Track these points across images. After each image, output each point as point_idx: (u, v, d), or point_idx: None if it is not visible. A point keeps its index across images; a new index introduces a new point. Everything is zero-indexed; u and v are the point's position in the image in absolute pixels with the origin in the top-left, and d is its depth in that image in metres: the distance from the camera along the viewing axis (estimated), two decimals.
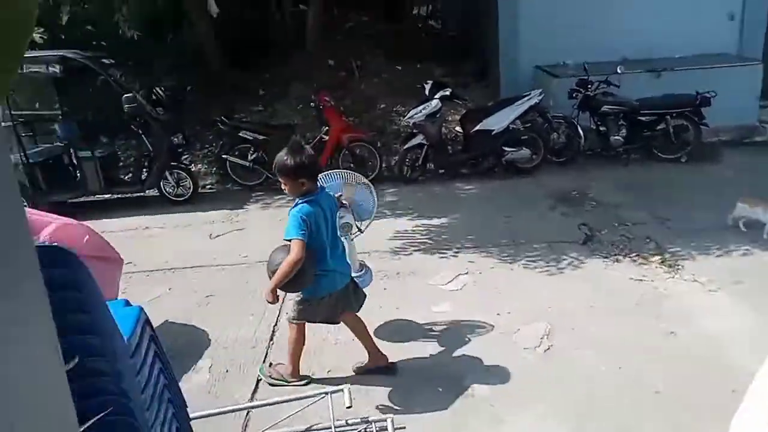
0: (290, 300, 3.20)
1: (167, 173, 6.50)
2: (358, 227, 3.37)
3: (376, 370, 3.27)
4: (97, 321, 1.58)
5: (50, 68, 6.16)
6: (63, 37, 8.01)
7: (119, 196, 6.70)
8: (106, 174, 6.48)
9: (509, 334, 3.65)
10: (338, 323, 3.25)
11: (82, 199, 6.63)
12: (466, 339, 3.61)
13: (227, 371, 3.42)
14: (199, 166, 7.52)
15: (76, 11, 8.30)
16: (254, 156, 6.92)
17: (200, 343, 3.73)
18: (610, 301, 3.98)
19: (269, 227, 5.80)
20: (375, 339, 3.58)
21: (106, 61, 6.56)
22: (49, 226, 2.36)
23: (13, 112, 6.14)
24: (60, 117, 6.87)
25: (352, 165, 7.08)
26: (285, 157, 2.82)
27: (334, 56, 9.47)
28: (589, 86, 7.13)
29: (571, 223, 5.39)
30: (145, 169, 6.66)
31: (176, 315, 4.10)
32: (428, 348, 3.53)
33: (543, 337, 3.59)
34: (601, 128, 7.25)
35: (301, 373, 3.28)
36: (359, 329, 3.26)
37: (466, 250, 4.94)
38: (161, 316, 4.04)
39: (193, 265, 4.91)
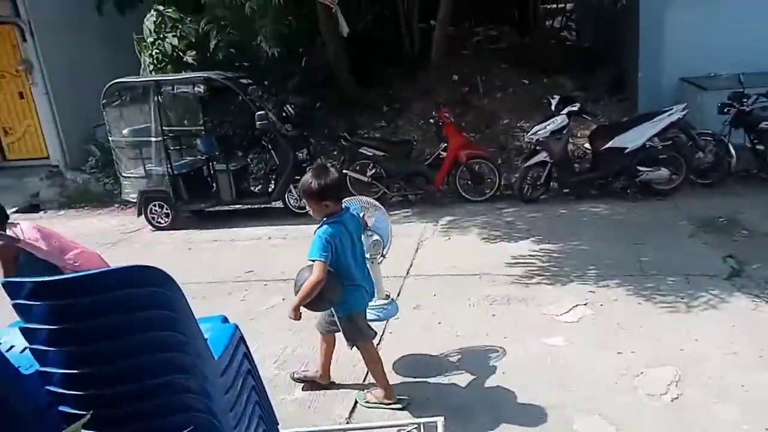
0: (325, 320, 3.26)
1: (291, 186, 6.82)
2: (382, 252, 3.38)
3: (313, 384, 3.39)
4: (187, 339, 1.63)
5: (196, 88, 6.79)
6: (211, 58, 8.81)
7: (248, 206, 7.16)
8: (238, 186, 6.97)
9: (631, 377, 3.27)
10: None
11: (216, 208, 7.18)
12: (580, 378, 3.30)
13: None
14: None
15: (222, 36, 9.08)
16: (372, 171, 7.05)
17: (306, 355, 3.80)
18: (757, 348, 3.43)
19: None
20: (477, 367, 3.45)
21: (244, 81, 7.07)
22: (75, 250, 2.79)
23: (163, 128, 6.84)
24: (203, 132, 7.53)
25: (469, 182, 6.95)
26: (310, 180, 2.84)
27: (460, 71, 9.38)
28: (745, 100, 6.33)
29: (714, 254, 4.78)
30: (272, 182, 7.06)
31: (288, 325, 4.22)
32: (536, 384, 3.28)
33: (671, 384, 3.18)
34: (758, 147, 6.41)
35: (400, 396, 3.21)
36: (329, 351, 3.34)
37: (588, 279, 4.56)
38: (273, 326, 4.20)
39: None
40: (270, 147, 6.94)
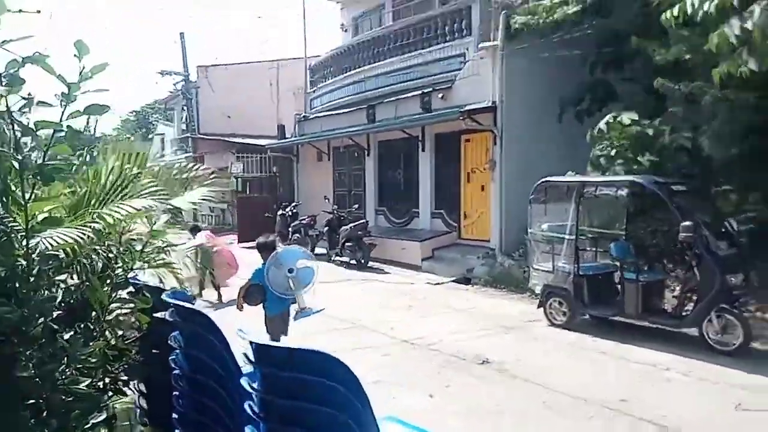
0: None
1: (713, 315, 5.57)
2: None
3: None
4: None
5: (618, 192, 6.48)
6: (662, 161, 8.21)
7: (656, 325, 6.21)
8: (647, 300, 6.19)
9: None
10: None
11: (618, 318, 6.49)
12: None
13: None
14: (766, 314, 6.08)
15: (674, 138, 8.38)
16: None
17: None
18: None
19: None
20: None
21: (675, 188, 6.32)
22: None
23: (579, 228, 6.77)
24: (623, 237, 7.07)
25: None
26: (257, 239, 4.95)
27: None
28: None
29: None
30: (689, 304, 5.95)
31: None
32: None
33: None
34: None
35: None
36: None
37: None
38: None
39: None
40: (693, 264, 5.90)
